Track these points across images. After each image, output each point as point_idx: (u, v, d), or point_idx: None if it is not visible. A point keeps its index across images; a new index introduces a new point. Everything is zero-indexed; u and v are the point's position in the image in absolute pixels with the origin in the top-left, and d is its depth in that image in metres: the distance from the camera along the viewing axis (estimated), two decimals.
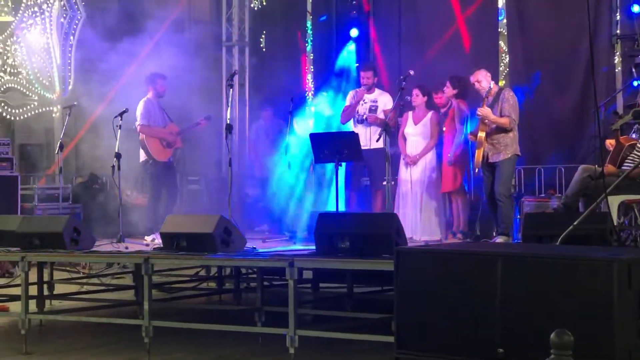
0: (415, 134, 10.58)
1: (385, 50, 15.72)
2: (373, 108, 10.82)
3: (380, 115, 10.78)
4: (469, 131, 9.99)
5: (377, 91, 11.03)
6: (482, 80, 9.60)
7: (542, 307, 4.62)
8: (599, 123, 10.47)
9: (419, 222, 10.42)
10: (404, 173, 10.63)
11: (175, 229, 8.08)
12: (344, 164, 10.06)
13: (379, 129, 10.41)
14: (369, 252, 7.09)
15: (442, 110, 10.82)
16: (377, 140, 10.41)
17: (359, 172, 10.98)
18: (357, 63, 15.70)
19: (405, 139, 10.68)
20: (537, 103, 13.66)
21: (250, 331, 7.79)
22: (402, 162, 10.72)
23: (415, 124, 10.60)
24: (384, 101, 10.88)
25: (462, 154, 10.30)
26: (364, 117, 10.80)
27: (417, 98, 10.62)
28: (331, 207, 10.62)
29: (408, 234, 9.88)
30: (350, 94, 11.20)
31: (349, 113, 10.98)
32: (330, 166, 11.15)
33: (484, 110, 9.29)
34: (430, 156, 10.51)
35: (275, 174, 12.43)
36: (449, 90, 10.53)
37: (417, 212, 10.46)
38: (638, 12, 12.96)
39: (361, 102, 10.89)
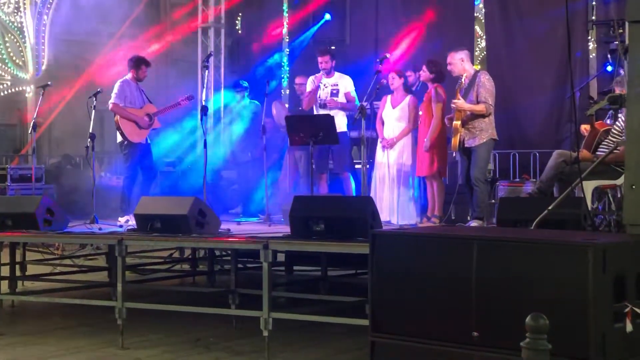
0: (393, 118, 10.53)
1: (362, 31, 15.69)
2: (334, 92, 10.80)
3: (342, 99, 10.77)
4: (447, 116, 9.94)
5: (336, 74, 10.98)
6: (466, 61, 9.53)
7: (517, 291, 4.63)
8: (575, 108, 10.51)
9: (397, 205, 10.41)
10: (381, 156, 10.59)
11: (150, 210, 8.04)
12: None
13: (341, 113, 10.56)
14: (344, 235, 7.07)
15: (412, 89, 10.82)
16: (354, 123, 10.39)
17: (324, 156, 10.92)
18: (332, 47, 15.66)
19: (382, 123, 10.65)
20: (512, 88, 13.70)
21: (224, 313, 7.77)
22: (379, 146, 10.68)
23: (394, 107, 10.56)
24: (345, 84, 10.87)
25: (439, 139, 10.22)
26: (325, 102, 10.77)
27: (395, 81, 10.56)
28: (306, 190, 10.58)
29: (385, 218, 9.91)
30: (310, 79, 11.13)
31: (310, 99, 10.96)
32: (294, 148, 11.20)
33: (458, 102, 9.27)
34: (408, 140, 10.47)
35: (250, 156, 12.39)
36: (425, 75, 10.45)
37: (395, 195, 10.44)
38: None
39: (322, 86, 10.86)
